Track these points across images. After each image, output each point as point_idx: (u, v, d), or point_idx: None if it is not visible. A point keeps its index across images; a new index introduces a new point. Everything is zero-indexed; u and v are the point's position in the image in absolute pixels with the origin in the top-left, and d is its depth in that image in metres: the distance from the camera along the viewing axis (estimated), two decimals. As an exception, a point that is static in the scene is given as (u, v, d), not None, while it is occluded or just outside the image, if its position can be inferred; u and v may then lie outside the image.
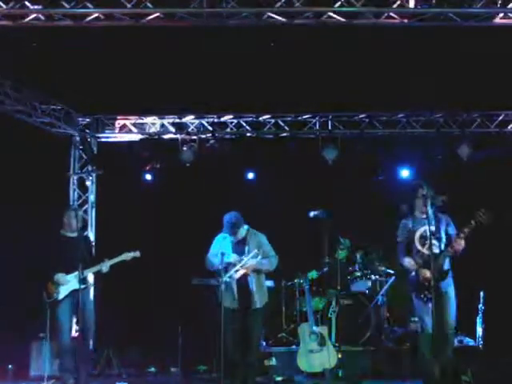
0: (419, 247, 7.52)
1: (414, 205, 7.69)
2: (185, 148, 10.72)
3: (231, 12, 7.51)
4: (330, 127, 10.83)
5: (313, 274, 10.15)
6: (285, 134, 10.92)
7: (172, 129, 10.98)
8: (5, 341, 9.24)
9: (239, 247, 7.79)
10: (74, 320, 8.25)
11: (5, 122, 9.55)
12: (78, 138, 10.86)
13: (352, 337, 9.54)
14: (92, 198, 10.82)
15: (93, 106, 10.60)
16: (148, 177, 10.99)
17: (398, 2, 7.42)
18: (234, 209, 7.76)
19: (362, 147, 10.53)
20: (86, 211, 10.70)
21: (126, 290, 10.23)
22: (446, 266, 7.39)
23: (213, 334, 7.75)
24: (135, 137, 11.01)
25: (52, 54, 8.88)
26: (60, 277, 8.01)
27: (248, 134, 10.93)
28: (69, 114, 10.63)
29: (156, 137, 10.96)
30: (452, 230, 7.55)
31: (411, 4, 7.40)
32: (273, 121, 10.87)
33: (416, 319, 8.31)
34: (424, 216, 7.51)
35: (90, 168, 10.85)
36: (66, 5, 7.36)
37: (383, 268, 10.26)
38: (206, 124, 10.93)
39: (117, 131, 11.03)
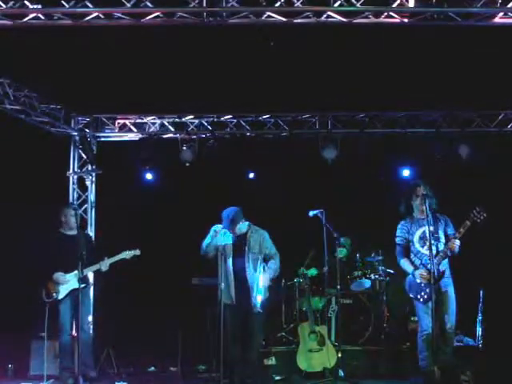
0: (419, 248, 7.53)
1: (412, 205, 7.70)
2: (184, 147, 10.71)
3: (231, 11, 7.51)
4: (329, 127, 10.82)
5: (312, 272, 10.15)
6: (284, 134, 10.90)
7: (172, 128, 10.97)
8: (4, 340, 9.23)
9: (238, 244, 7.82)
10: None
11: (4, 122, 9.54)
12: (77, 138, 10.85)
13: (352, 336, 9.55)
14: (92, 197, 10.81)
15: (92, 106, 10.60)
16: (148, 176, 10.97)
17: (398, 2, 7.42)
18: (233, 208, 7.83)
19: (362, 147, 10.50)
20: (85, 211, 10.70)
21: (126, 290, 10.23)
22: (443, 266, 7.40)
23: (212, 333, 7.76)
24: (135, 136, 11.00)
25: (51, 53, 8.88)
26: (59, 276, 8.01)
27: (248, 134, 10.92)
28: (68, 114, 10.63)
29: (155, 136, 10.94)
30: (451, 231, 7.56)
31: (411, 3, 7.40)
32: (272, 120, 10.86)
33: (416, 319, 8.31)
34: (423, 217, 7.52)
35: (89, 167, 10.84)
36: (66, 4, 7.36)
37: (383, 267, 10.26)
38: (205, 123, 10.92)
39: (116, 131, 11.02)
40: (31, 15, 7.46)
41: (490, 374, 8.01)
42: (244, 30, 7.96)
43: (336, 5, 7.44)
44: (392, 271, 10.11)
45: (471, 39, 8.39)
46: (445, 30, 7.98)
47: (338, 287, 8.97)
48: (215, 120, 10.88)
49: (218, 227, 7.76)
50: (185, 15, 7.53)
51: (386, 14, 7.60)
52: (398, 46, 8.84)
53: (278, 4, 7.47)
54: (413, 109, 10.66)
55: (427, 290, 7.30)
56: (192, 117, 10.91)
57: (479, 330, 9.50)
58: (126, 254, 8.19)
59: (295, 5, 7.50)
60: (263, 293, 7.75)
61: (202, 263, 8.18)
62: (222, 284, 7.68)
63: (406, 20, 7.62)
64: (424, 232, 7.48)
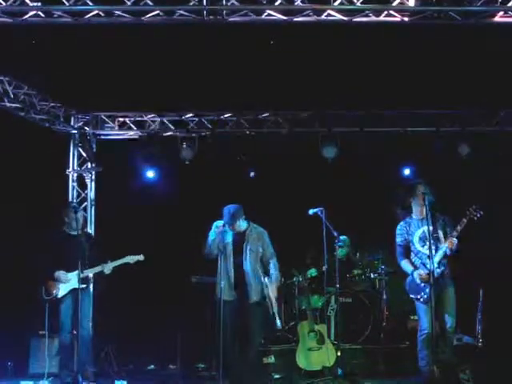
0: (419, 248, 7.53)
1: (411, 205, 7.70)
2: (184, 146, 10.71)
3: (231, 9, 7.50)
4: (329, 125, 10.81)
5: (312, 272, 10.17)
6: (284, 132, 10.89)
7: (171, 126, 10.96)
8: (4, 338, 9.24)
9: (238, 241, 7.84)
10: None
11: (4, 120, 9.54)
12: (77, 136, 10.84)
13: (351, 335, 9.55)
14: (91, 195, 10.80)
15: (92, 104, 10.59)
16: (147, 174, 10.97)
17: (398, 0, 7.41)
18: (232, 207, 7.84)
19: (362, 146, 10.50)
20: (85, 209, 10.68)
21: (125, 288, 10.22)
22: (443, 265, 7.40)
23: (212, 331, 7.77)
24: (135, 134, 10.99)
25: (51, 51, 8.87)
26: (61, 274, 7.99)
27: (247, 132, 10.91)
28: (68, 112, 10.62)
29: (155, 134, 10.93)
30: (450, 230, 7.56)
31: (411, 2, 7.39)
32: (272, 119, 10.85)
33: (415, 317, 8.32)
34: (422, 216, 7.52)
35: (89, 165, 10.83)
36: (66, 2, 7.35)
37: (382, 266, 10.26)
38: (205, 122, 10.92)
39: (116, 129, 11.02)
40: (31, 13, 7.44)
41: (490, 373, 8.02)
42: (244, 28, 7.95)
43: (336, 3, 7.44)
44: (392, 270, 10.10)
45: (471, 38, 8.39)
46: (445, 28, 7.97)
47: (338, 286, 8.98)
48: (215, 118, 10.87)
49: (219, 223, 7.78)
50: (185, 13, 7.52)
51: (386, 12, 7.60)
52: (398, 44, 8.83)
53: (278, 2, 7.46)
54: (413, 107, 10.66)
55: (427, 291, 7.30)
56: (192, 115, 10.91)
57: (479, 329, 9.50)
58: (130, 259, 8.15)
59: (295, 3, 7.49)
60: (274, 303, 7.83)
61: (202, 261, 8.18)
62: (222, 282, 7.69)
63: (406, 19, 7.62)
64: (424, 232, 7.47)
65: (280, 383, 8.89)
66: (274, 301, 7.84)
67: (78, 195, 10.78)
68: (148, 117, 10.97)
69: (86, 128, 10.89)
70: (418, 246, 7.55)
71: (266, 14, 7.60)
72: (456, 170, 10.60)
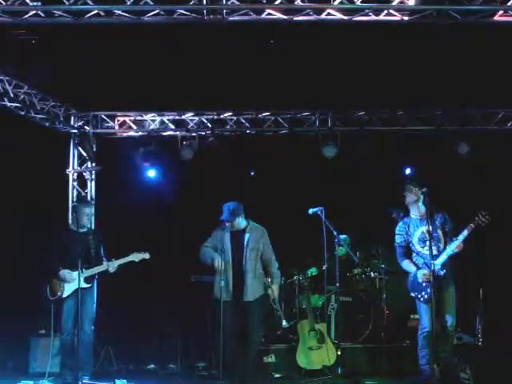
0: (419, 249, 7.54)
1: (407, 206, 7.70)
2: (184, 145, 10.71)
3: (231, 9, 7.50)
4: (329, 124, 10.81)
5: (313, 271, 10.16)
6: (284, 131, 10.89)
7: (171, 126, 10.96)
8: (4, 337, 9.24)
9: (237, 239, 7.85)
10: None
11: (4, 119, 9.54)
12: (77, 135, 10.83)
13: (351, 334, 9.55)
14: (91, 194, 10.80)
15: (92, 103, 10.59)
16: (148, 174, 10.97)
17: (398, -1, 7.42)
18: (232, 206, 7.88)
19: (362, 145, 10.50)
20: (85, 208, 10.68)
21: (126, 287, 10.22)
22: (445, 267, 7.40)
23: (212, 330, 7.78)
24: (135, 134, 10.99)
25: (51, 50, 8.88)
26: (66, 273, 7.93)
27: (247, 131, 10.92)
28: (68, 111, 10.62)
29: (155, 134, 10.94)
30: (449, 227, 7.57)
31: (411, 1, 7.40)
32: (272, 118, 10.85)
33: (416, 316, 8.33)
34: (419, 216, 7.53)
35: (89, 165, 10.83)
36: (66, 1, 7.35)
37: (383, 265, 10.26)
38: (205, 121, 10.92)
39: (116, 128, 11.02)
40: (31, 12, 7.44)
41: (490, 372, 8.02)
42: (244, 28, 7.95)
43: (336, 2, 7.44)
44: (392, 269, 10.10)
45: (471, 37, 8.39)
46: (445, 27, 7.98)
47: (338, 285, 8.99)
48: (215, 117, 10.87)
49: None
50: (185, 12, 7.53)
51: (386, 11, 7.60)
52: (398, 43, 8.83)
53: (278, 1, 7.47)
54: (413, 107, 10.66)
55: (428, 290, 7.31)
56: (192, 114, 10.91)
57: (479, 328, 9.50)
58: (136, 257, 8.05)
59: (295, 2, 7.50)
60: (278, 302, 7.87)
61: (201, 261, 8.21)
62: (222, 282, 7.70)
63: (406, 18, 7.62)
64: (423, 233, 7.49)
65: (280, 382, 8.89)
66: (277, 301, 7.88)
67: (78, 194, 10.78)
68: (148, 116, 10.97)
69: (86, 127, 10.88)
70: (417, 246, 7.56)
71: (265, 13, 7.60)
72: (456, 170, 10.60)
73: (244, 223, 7.93)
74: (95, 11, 7.48)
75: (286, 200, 10.81)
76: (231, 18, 7.61)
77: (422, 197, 7.52)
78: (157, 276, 10.51)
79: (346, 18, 7.61)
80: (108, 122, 10.97)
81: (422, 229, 7.49)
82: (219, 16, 7.54)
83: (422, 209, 7.52)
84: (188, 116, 10.92)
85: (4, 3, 7.30)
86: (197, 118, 10.92)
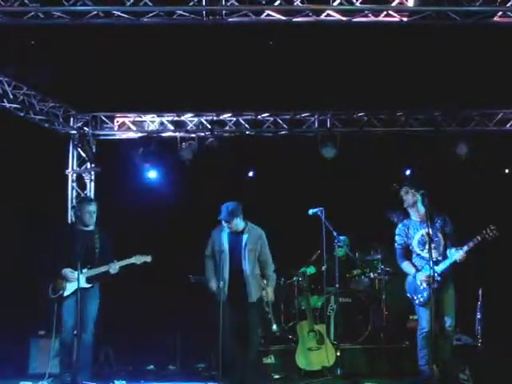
0: (419, 252, 7.53)
1: (407, 208, 7.70)
2: (184, 146, 10.71)
3: (230, 10, 7.51)
4: (328, 125, 10.82)
5: (311, 270, 10.15)
6: (283, 132, 10.90)
7: (171, 127, 10.97)
8: (4, 338, 9.23)
9: (235, 240, 7.86)
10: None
11: (3, 120, 9.54)
12: (76, 136, 10.84)
13: (351, 335, 9.55)
14: (91, 195, 10.79)
15: (91, 104, 10.59)
16: (148, 175, 10.97)
17: (398, 1, 7.42)
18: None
19: (362, 148, 10.51)
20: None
21: (125, 288, 10.21)
22: (443, 272, 7.40)
23: (211, 331, 7.77)
24: (134, 135, 11.00)
25: (51, 51, 8.88)
26: (68, 272, 7.88)
27: (247, 132, 10.92)
28: (67, 112, 10.63)
29: (155, 135, 10.94)
30: (449, 230, 7.56)
31: (410, 2, 7.40)
32: (271, 119, 10.86)
33: (415, 317, 8.33)
34: (419, 218, 7.52)
35: (88, 166, 10.84)
36: (65, 2, 7.36)
37: (382, 266, 10.26)
38: (204, 122, 10.92)
39: (115, 129, 11.02)
40: (31, 13, 7.45)
41: (489, 373, 8.02)
42: (243, 29, 7.96)
43: (335, 3, 7.45)
44: (391, 270, 10.10)
45: (470, 38, 8.39)
46: (444, 28, 7.98)
47: (337, 286, 8.98)
48: (214, 119, 10.88)
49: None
50: (184, 14, 7.54)
51: (385, 12, 7.61)
52: (397, 44, 8.84)
53: (277, 2, 7.47)
54: (412, 107, 10.66)
55: (425, 294, 7.32)
56: (191, 115, 10.91)
57: (478, 329, 9.50)
58: (137, 259, 7.99)
59: (295, 3, 7.50)
60: (270, 305, 7.87)
61: (200, 261, 8.19)
62: (221, 282, 7.70)
63: (405, 19, 7.63)
64: (422, 236, 7.48)
65: (280, 383, 8.89)
66: (270, 304, 7.87)
67: (78, 195, 10.78)
68: (147, 117, 10.98)
69: (85, 128, 10.89)
70: (417, 249, 7.55)
71: (265, 14, 7.61)
72: (455, 171, 10.61)
73: (242, 224, 7.93)
74: (94, 12, 7.49)
75: (286, 201, 10.81)
76: (230, 19, 7.62)
77: (420, 198, 7.51)
78: (156, 277, 10.50)
79: (345, 18, 7.61)
80: (107, 123, 10.97)
81: (422, 231, 7.48)
82: (218, 17, 7.54)
83: (422, 210, 7.51)
84: (187, 117, 10.92)
85: (3, 4, 7.31)
86: (196, 119, 10.93)
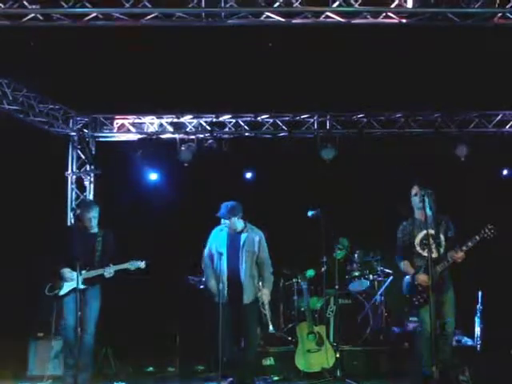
0: (420, 251, 7.53)
1: (412, 206, 7.70)
2: (183, 148, 10.71)
3: (230, 12, 7.50)
4: (328, 127, 10.82)
5: (310, 273, 10.16)
6: (283, 134, 10.90)
7: (170, 128, 10.97)
8: (3, 340, 9.23)
9: (234, 240, 7.87)
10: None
11: (3, 122, 9.53)
12: (76, 138, 10.84)
13: (350, 336, 9.55)
14: (90, 197, 10.80)
15: (91, 106, 10.59)
16: (149, 176, 10.97)
17: (397, 2, 7.41)
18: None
19: (362, 148, 10.51)
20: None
21: (124, 289, 10.22)
22: (445, 273, 7.41)
23: (209, 332, 7.77)
24: (133, 136, 11.00)
25: (50, 53, 8.88)
26: (66, 272, 7.89)
27: (246, 134, 10.92)
28: (67, 114, 10.62)
29: (154, 136, 10.94)
30: (451, 233, 7.56)
31: (409, 4, 7.40)
32: (271, 120, 10.86)
33: (414, 319, 8.33)
34: (423, 218, 7.51)
35: (88, 168, 10.84)
36: (65, 4, 7.35)
37: (381, 267, 10.27)
38: (204, 123, 10.92)
39: (115, 131, 11.02)
40: (30, 15, 7.44)
41: (489, 374, 8.02)
42: (243, 31, 7.96)
43: (334, 5, 7.43)
44: (390, 271, 10.11)
45: (470, 40, 8.40)
46: (443, 30, 7.98)
47: (337, 287, 8.98)
48: (214, 120, 10.88)
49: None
50: (183, 15, 7.53)
51: (384, 14, 7.59)
52: (396, 46, 8.84)
53: (276, 4, 7.47)
54: (411, 109, 10.67)
55: (424, 295, 7.32)
56: (190, 117, 10.91)
57: (478, 331, 9.51)
58: (131, 265, 8.01)
59: (294, 5, 7.49)
60: (268, 308, 7.87)
61: (200, 262, 8.21)
62: (221, 285, 7.71)
63: (404, 20, 7.61)
64: (425, 235, 7.47)
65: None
66: (266, 306, 7.87)
67: (77, 197, 10.78)
68: (146, 119, 10.97)
69: (84, 130, 10.89)
70: (418, 248, 7.55)
71: (264, 16, 7.61)
72: (455, 172, 10.61)
73: (241, 225, 7.95)
74: (94, 14, 7.48)
75: (285, 202, 10.81)
76: (230, 21, 7.60)
77: (426, 199, 7.51)
78: (156, 278, 10.51)
79: (344, 20, 7.60)
80: (106, 125, 10.97)
81: (425, 231, 7.47)
82: (218, 19, 7.54)
83: (427, 213, 7.50)
84: (187, 118, 10.92)
85: (2, 6, 7.30)
86: (195, 121, 10.92)
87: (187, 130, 10.91)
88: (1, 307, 9.44)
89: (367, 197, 10.69)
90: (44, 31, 7.83)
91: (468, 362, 8.19)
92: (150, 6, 7.41)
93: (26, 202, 10.31)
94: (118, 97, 10.10)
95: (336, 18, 7.59)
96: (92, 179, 10.87)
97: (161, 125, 10.99)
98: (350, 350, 9.32)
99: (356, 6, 7.44)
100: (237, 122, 10.86)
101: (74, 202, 10.61)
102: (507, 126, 10.70)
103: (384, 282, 10.10)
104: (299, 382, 8.70)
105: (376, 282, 10.28)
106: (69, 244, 7.99)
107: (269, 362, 9.20)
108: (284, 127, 10.83)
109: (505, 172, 10.98)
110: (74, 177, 10.82)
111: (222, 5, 7.38)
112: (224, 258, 7.82)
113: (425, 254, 7.46)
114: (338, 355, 8.72)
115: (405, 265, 7.63)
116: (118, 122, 11.01)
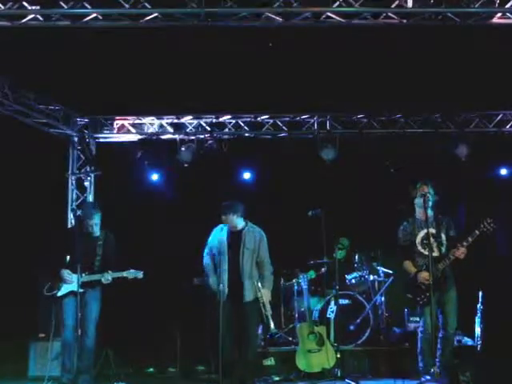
0: (421, 250, 7.53)
1: (414, 205, 7.70)
2: (183, 148, 10.71)
3: (229, 12, 7.50)
4: (328, 127, 10.82)
5: (311, 274, 10.16)
6: (283, 134, 10.90)
7: (170, 129, 10.97)
8: (3, 341, 9.23)
9: (234, 239, 7.88)
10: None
11: (3, 123, 9.54)
12: (76, 139, 10.84)
13: (351, 337, 9.54)
14: (90, 198, 10.80)
15: (91, 107, 10.59)
16: (150, 177, 10.97)
17: (397, 2, 7.42)
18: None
19: (362, 148, 10.51)
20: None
21: (125, 290, 10.21)
22: (447, 271, 7.40)
23: (210, 333, 7.77)
24: (133, 137, 10.99)
25: (50, 54, 8.88)
26: (65, 274, 7.88)
27: (246, 135, 10.92)
28: (67, 115, 10.62)
29: (154, 137, 10.94)
30: (453, 232, 7.57)
31: (409, 4, 7.40)
32: (271, 121, 10.85)
33: (415, 319, 8.32)
34: (424, 218, 7.51)
35: (88, 168, 10.83)
36: (64, 5, 7.36)
37: (381, 268, 10.26)
38: (204, 124, 10.92)
39: (115, 131, 11.01)
40: (30, 16, 7.45)
41: (489, 375, 8.01)
42: (242, 31, 7.96)
43: (335, 6, 7.44)
44: (391, 271, 10.10)
45: (470, 39, 8.40)
46: (443, 30, 7.99)
47: (337, 288, 8.98)
48: (214, 121, 10.88)
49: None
50: (183, 16, 7.53)
51: (384, 14, 7.60)
52: (396, 46, 8.85)
53: (276, 5, 7.47)
54: (411, 109, 10.66)
55: (427, 294, 7.31)
56: (190, 117, 10.91)
57: (478, 331, 9.50)
58: (129, 274, 8.01)
59: (294, 5, 7.50)
60: (268, 308, 7.87)
61: (201, 263, 8.21)
62: (221, 285, 7.71)
63: (404, 21, 7.62)
64: (426, 234, 7.47)
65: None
66: (267, 305, 7.86)
67: (77, 198, 10.78)
68: (146, 119, 10.97)
69: (84, 131, 10.88)
70: (419, 247, 7.55)
71: (264, 16, 7.60)
72: (455, 172, 10.61)
73: (242, 223, 7.98)
74: (93, 15, 7.48)
75: (285, 202, 10.81)
76: (230, 22, 7.60)
77: (431, 203, 7.51)
78: (157, 279, 10.49)
79: (344, 21, 7.61)
80: (107, 126, 10.97)
81: (426, 230, 7.48)
82: (218, 19, 7.54)
83: (429, 214, 7.49)
84: (187, 119, 10.92)
85: (2, 7, 7.31)
86: (195, 121, 10.92)
87: (187, 130, 10.90)
88: (1, 308, 9.43)
89: (367, 197, 10.69)
90: (44, 32, 7.84)
91: (469, 362, 8.18)
92: (149, 6, 7.41)
93: (26, 203, 10.31)
94: (118, 97, 10.10)
95: (336, 18, 7.59)
96: (92, 180, 10.86)
97: (161, 125, 10.98)
98: (351, 350, 9.32)
99: (356, 6, 7.44)
100: (237, 122, 10.86)
101: (74, 203, 10.60)
102: (507, 126, 10.70)
103: (384, 282, 10.08)
104: (300, 383, 8.69)
105: (376, 283, 10.27)
106: (69, 246, 7.99)
107: (269, 362, 9.20)
108: (284, 128, 10.83)
109: (505, 172, 10.96)
110: (74, 177, 10.81)
111: (222, 5, 7.38)
112: (224, 256, 7.83)
113: (426, 252, 7.47)
114: (338, 355, 8.71)
115: (407, 264, 7.63)
116: (118, 123, 11.00)
